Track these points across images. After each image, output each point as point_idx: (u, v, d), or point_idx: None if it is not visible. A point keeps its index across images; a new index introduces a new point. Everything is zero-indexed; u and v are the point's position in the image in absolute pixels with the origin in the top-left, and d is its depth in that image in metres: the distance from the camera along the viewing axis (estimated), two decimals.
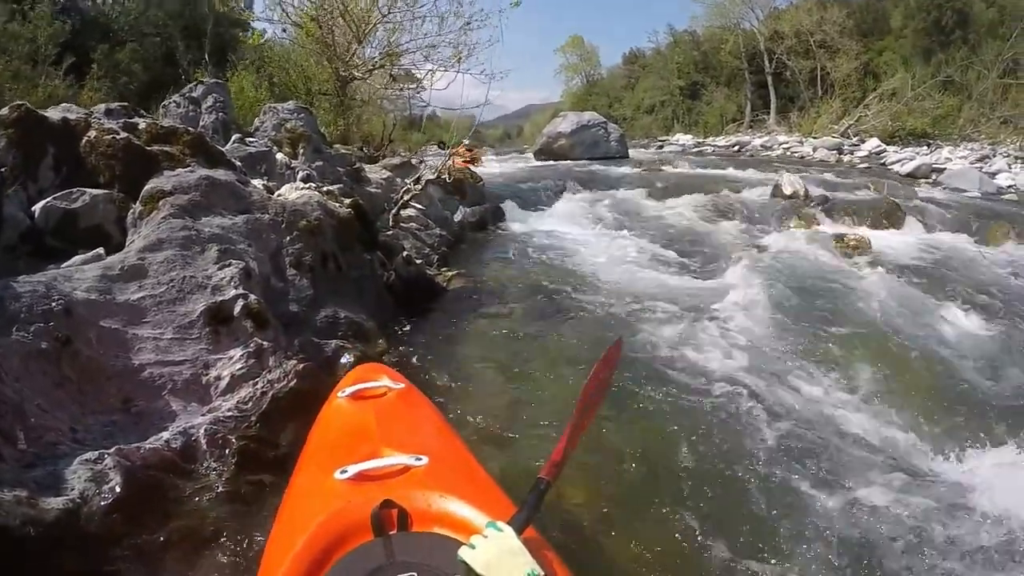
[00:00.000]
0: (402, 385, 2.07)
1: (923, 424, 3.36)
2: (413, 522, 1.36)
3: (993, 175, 13.69)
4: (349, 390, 2.01)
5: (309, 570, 1.24)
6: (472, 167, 10.55)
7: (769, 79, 31.93)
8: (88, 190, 3.40)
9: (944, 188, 12.68)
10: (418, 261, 5.19)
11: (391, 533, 1.31)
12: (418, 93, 11.89)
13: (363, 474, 1.50)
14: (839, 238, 7.54)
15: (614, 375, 1.79)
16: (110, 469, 2.04)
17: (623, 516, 2.51)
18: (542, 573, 1.11)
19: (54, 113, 3.75)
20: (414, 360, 3.71)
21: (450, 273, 5.53)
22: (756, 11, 33.24)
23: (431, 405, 2.13)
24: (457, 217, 7.85)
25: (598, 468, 2.78)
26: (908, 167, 15.27)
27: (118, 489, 1.99)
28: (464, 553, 1.13)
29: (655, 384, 3.59)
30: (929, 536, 2.43)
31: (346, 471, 1.50)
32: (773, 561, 2.31)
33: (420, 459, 1.54)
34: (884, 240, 7.93)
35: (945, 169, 14.42)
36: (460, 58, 10.11)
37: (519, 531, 1.19)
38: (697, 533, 2.41)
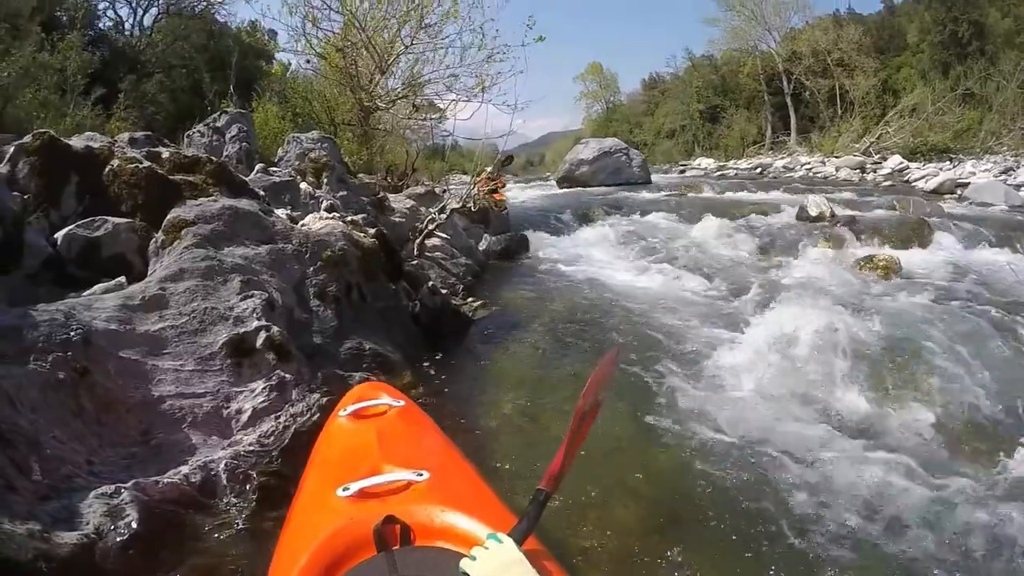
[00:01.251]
0: (402, 402, 2.11)
1: (963, 447, 3.25)
2: (416, 537, 1.39)
3: (1019, 187, 13.44)
4: (350, 409, 2.05)
5: None
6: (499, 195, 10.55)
7: (788, 100, 31.99)
8: (110, 218, 3.38)
9: (970, 203, 12.46)
10: (444, 291, 5.13)
11: (394, 548, 1.34)
12: (441, 123, 11.94)
13: (365, 491, 1.52)
14: (868, 259, 7.37)
15: (610, 383, 1.80)
16: (127, 503, 1.98)
17: (624, 526, 2.46)
18: None
19: (77, 141, 3.77)
20: (439, 390, 3.65)
21: (476, 303, 5.47)
22: (773, 33, 33.48)
23: (431, 422, 2.13)
24: (482, 246, 7.81)
25: (599, 479, 2.73)
26: (932, 183, 15.06)
27: (134, 524, 1.94)
28: (466, 565, 1.17)
29: (665, 406, 3.52)
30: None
31: (348, 488, 1.52)
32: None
33: (421, 474, 1.57)
34: (914, 259, 7.72)
35: (970, 183, 14.18)
36: (484, 87, 10.11)
37: (519, 542, 1.23)
38: (699, 543, 2.37)
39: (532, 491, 1.39)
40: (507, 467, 2.86)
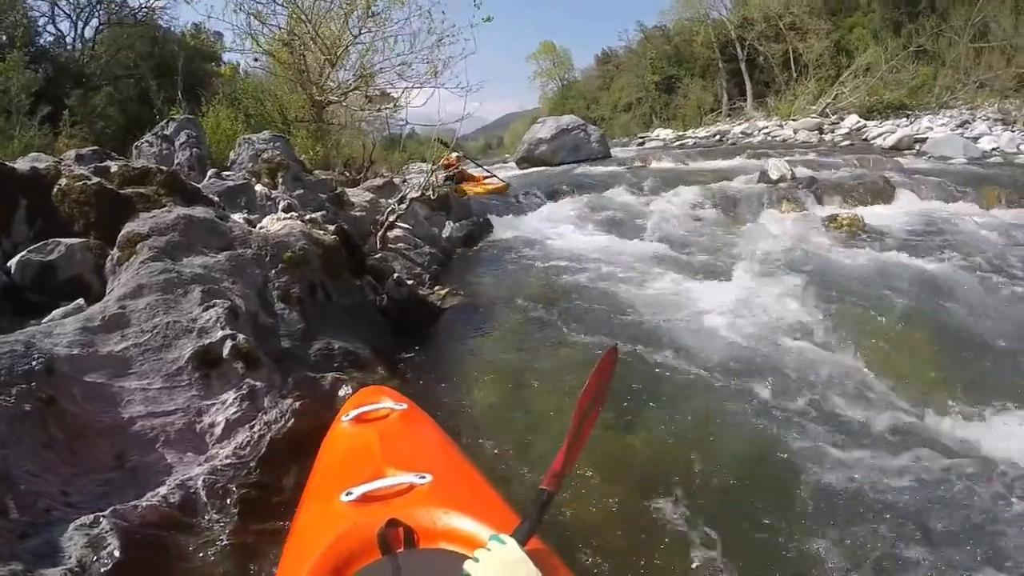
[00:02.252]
0: (404, 406, 2.11)
1: (941, 394, 3.33)
2: (419, 539, 1.39)
3: (975, 139, 13.70)
4: (352, 414, 2.06)
5: None
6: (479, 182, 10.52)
7: (743, 66, 32.06)
8: (63, 240, 3.30)
9: (929, 157, 12.66)
10: (409, 282, 5.08)
11: (398, 551, 1.35)
12: (395, 113, 11.79)
13: (368, 495, 1.53)
14: (831, 218, 7.47)
15: (611, 382, 1.76)
16: (107, 532, 1.95)
17: (628, 524, 2.46)
18: None
19: (22, 164, 3.66)
20: (415, 383, 3.62)
21: (443, 291, 5.44)
22: (723, 0, 33.40)
23: (434, 424, 2.14)
24: (445, 233, 7.74)
25: (602, 476, 2.72)
26: (891, 140, 15.27)
27: (117, 553, 1.90)
28: (469, 567, 1.16)
29: (660, 389, 3.51)
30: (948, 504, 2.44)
31: (351, 493, 1.53)
32: (784, 568, 2.25)
33: (424, 477, 1.58)
34: (877, 215, 7.88)
35: (927, 138, 14.41)
36: (436, 72, 10.01)
37: (522, 542, 1.22)
38: (704, 539, 2.36)
39: (534, 489, 1.38)
40: (479, 451, 2.86)
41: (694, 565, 2.22)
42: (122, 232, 3.15)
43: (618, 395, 3.37)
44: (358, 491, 1.53)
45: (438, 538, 1.40)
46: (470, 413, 3.35)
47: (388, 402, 2.12)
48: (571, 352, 4.05)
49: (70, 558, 1.84)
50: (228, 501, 2.27)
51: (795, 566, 2.24)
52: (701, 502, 2.55)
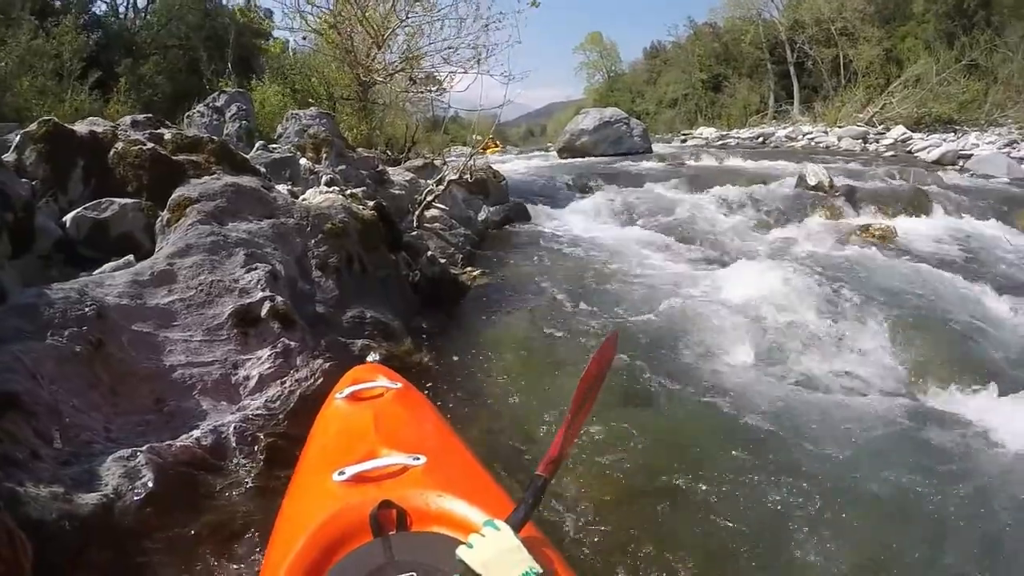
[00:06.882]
0: (399, 385, 2.10)
1: (959, 413, 3.32)
2: (412, 522, 1.38)
3: (1021, 160, 13.41)
4: (347, 391, 2.05)
5: (308, 572, 1.26)
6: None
7: (791, 69, 31.57)
8: (117, 200, 3.49)
9: (972, 174, 12.47)
10: (443, 260, 5.21)
11: (390, 533, 1.34)
12: (439, 96, 11.90)
13: (361, 475, 1.51)
14: (864, 228, 7.47)
15: (609, 368, 1.79)
16: (143, 466, 2.10)
17: (623, 513, 2.49)
18: (540, 571, 1.13)
19: (82, 127, 3.86)
20: (440, 360, 3.72)
21: (474, 272, 5.56)
22: (775, 0, 32.91)
23: (429, 404, 2.16)
24: (481, 216, 7.86)
25: (598, 464, 2.75)
26: (935, 154, 15.00)
27: (150, 484, 2.05)
28: (462, 552, 1.15)
29: (668, 381, 3.54)
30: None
31: (344, 473, 1.51)
32: (782, 558, 2.28)
33: (418, 459, 1.55)
34: (910, 228, 7.84)
35: (972, 155, 14.15)
36: (480, 59, 10.09)
37: (517, 529, 1.21)
38: (700, 528, 2.40)
39: (530, 474, 1.41)
40: (505, 441, 2.95)
41: (690, 559, 2.24)
42: (173, 196, 3.34)
43: (627, 385, 3.44)
44: (351, 471, 1.51)
45: (431, 521, 1.39)
46: (484, 390, 3.46)
47: (383, 380, 2.11)
48: (587, 341, 4.11)
49: (107, 486, 2.00)
50: (256, 448, 2.43)
51: (800, 561, 2.26)
52: (702, 496, 2.58)
